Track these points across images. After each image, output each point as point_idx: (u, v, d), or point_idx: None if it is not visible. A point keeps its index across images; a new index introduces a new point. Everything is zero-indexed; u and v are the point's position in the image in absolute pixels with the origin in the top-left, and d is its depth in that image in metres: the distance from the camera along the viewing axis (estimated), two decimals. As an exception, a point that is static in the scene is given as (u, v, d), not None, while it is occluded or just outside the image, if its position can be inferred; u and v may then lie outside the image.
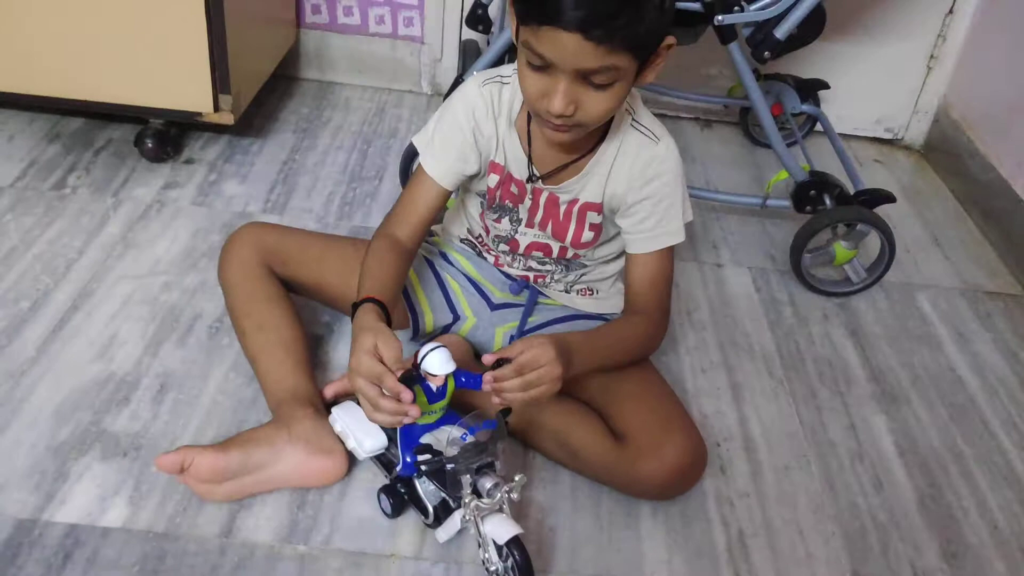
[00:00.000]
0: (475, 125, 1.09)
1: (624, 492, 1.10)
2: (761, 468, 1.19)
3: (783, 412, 1.29)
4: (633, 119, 1.07)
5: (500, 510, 0.96)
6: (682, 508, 1.11)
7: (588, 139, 1.05)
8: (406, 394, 0.91)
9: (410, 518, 1.05)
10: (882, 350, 1.44)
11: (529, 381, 0.94)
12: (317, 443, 1.05)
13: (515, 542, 0.92)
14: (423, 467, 0.96)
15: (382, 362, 0.92)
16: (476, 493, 0.95)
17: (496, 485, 0.94)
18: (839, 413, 1.30)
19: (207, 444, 1.04)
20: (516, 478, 0.95)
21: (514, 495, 0.95)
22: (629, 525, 1.08)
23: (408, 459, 1.00)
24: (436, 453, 0.96)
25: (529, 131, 1.08)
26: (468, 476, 0.94)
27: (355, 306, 1.01)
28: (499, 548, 0.94)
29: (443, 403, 1.00)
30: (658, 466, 1.03)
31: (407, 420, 0.93)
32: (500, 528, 0.93)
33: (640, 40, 0.89)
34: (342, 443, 1.06)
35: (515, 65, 1.09)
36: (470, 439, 0.94)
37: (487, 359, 0.96)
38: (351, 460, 1.08)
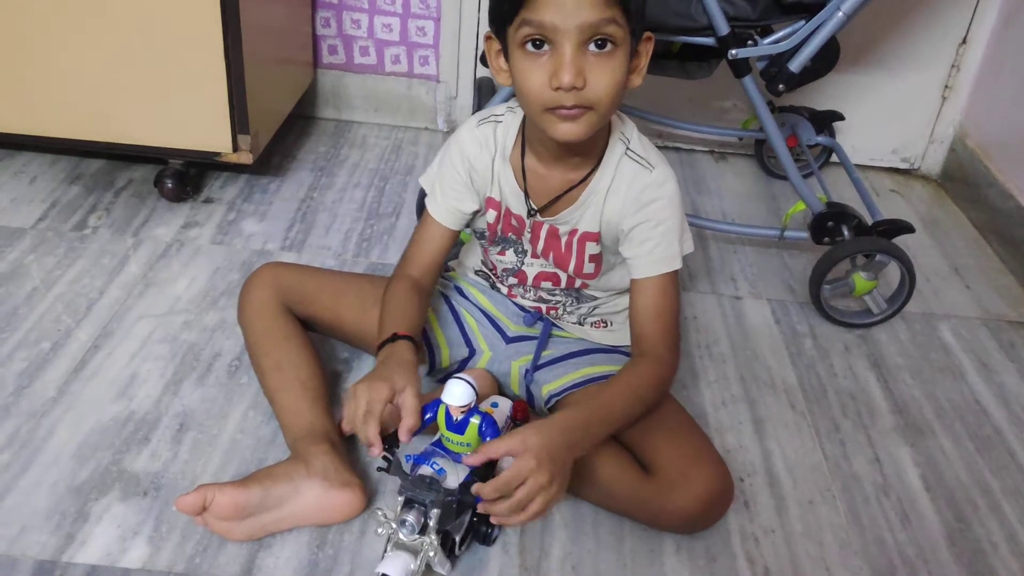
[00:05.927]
0: (470, 166, 1.11)
1: (651, 525, 1.09)
2: (785, 503, 1.18)
3: (806, 446, 1.28)
4: (628, 148, 1.08)
5: (409, 551, 0.95)
6: (706, 544, 1.10)
7: (584, 165, 1.07)
8: (375, 449, 0.94)
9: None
10: (905, 381, 1.43)
11: (520, 500, 0.89)
12: (335, 477, 1.05)
13: None
14: (388, 471, 0.96)
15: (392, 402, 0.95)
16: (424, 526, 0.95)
17: (423, 527, 0.94)
18: (863, 446, 1.29)
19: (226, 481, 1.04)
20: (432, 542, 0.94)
21: (431, 552, 0.95)
22: (653, 562, 1.07)
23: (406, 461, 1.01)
24: (428, 480, 0.95)
25: (524, 166, 1.09)
26: (420, 507, 0.94)
27: (385, 342, 1.02)
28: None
29: (463, 439, 0.99)
30: (689, 497, 1.02)
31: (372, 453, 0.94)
32: (388, 562, 0.94)
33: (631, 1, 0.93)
34: (359, 477, 1.07)
35: (509, 104, 1.13)
36: (428, 472, 0.96)
37: (469, 460, 0.92)
38: (370, 495, 1.08)
